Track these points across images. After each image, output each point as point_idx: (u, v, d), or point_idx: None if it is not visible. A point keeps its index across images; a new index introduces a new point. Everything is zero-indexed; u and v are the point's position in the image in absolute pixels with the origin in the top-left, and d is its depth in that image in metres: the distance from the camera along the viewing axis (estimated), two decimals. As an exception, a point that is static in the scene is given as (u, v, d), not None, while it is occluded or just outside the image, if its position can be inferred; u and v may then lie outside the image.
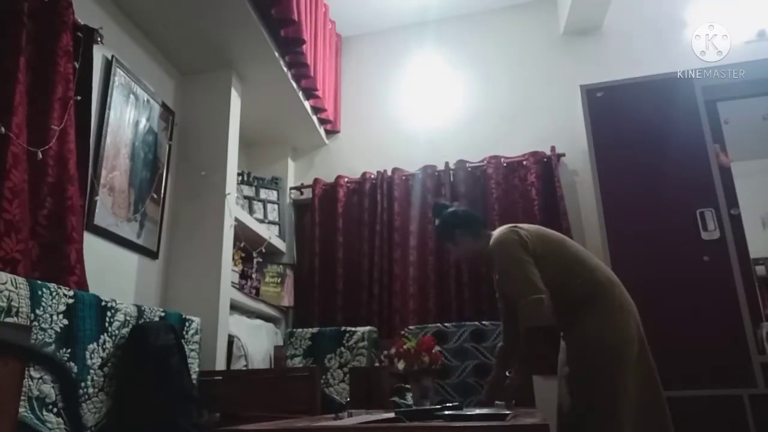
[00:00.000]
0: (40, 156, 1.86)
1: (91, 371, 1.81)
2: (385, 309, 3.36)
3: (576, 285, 1.82)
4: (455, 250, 2.16)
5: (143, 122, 2.66)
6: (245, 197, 3.51)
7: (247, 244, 3.26)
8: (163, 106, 2.84)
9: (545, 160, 3.42)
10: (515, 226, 1.94)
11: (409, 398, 1.72)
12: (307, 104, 3.55)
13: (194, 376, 2.35)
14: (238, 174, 3.32)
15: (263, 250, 3.40)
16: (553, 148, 3.43)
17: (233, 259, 3.01)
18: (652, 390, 1.74)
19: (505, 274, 1.87)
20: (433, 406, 1.52)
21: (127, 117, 2.54)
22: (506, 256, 1.85)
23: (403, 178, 3.61)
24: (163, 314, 2.26)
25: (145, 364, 1.96)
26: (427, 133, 3.79)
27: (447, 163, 3.57)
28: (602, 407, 1.66)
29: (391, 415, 1.36)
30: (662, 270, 2.61)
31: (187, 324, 2.41)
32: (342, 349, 3.00)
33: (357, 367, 2.84)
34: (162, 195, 2.75)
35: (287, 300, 3.56)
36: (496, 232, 1.96)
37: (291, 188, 3.88)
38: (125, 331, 1.99)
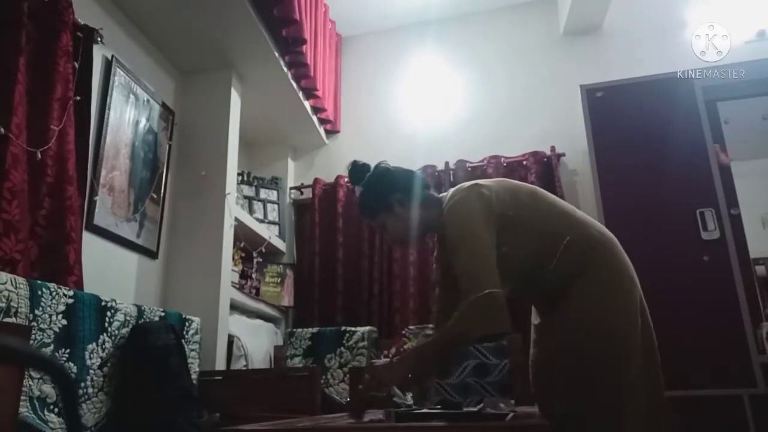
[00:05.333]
0: (40, 156, 1.86)
1: (91, 371, 1.81)
2: (385, 309, 3.36)
3: (562, 248, 1.39)
4: (394, 225, 1.56)
5: (143, 122, 2.66)
6: (245, 197, 3.50)
7: (247, 244, 3.26)
8: (163, 106, 2.84)
9: (545, 160, 3.42)
10: (477, 183, 1.48)
11: (409, 398, 1.70)
12: (307, 104, 3.55)
13: (194, 376, 2.35)
14: (238, 174, 3.32)
15: (263, 250, 3.40)
16: (553, 148, 3.43)
17: (233, 259, 3.01)
18: (657, 380, 1.41)
19: (457, 252, 1.38)
20: (433, 407, 1.52)
21: (127, 117, 2.53)
22: (460, 231, 1.40)
23: (403, 178, 3.61)
24: (163, 314, 2.26)
25: (145, 364, 1.96)
26: (427, 133, 3.79)
27: (447, 163, 3.57)
28: (604, 409, 1.33)
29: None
30: (662, 270, 2.60)
31: (187, 324, 2.41)
32: (342, 349, 2.99)
33: (357, 367, 2.84)
34: (162, 195, 2.75)
35: (287, 300, 3.56)
36: (451, 194, 1.51)
37: (291, 188, 3.88)
38: (125, 331, 1.99)
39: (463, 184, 1.53)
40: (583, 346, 1.36)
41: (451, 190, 1.54)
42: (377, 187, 1.57)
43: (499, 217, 1.41)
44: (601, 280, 1.39)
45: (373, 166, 1.63)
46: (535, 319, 1.56)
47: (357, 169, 1.62)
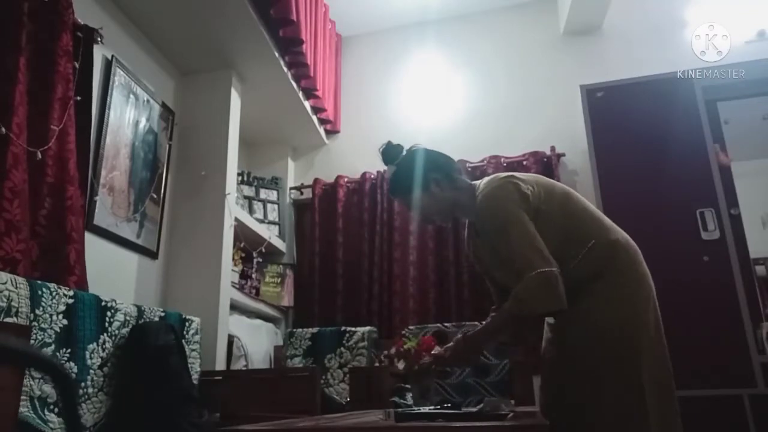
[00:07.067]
0: (40, 156, 1.86)
1: (91, 371, 1.81)
2: (385, 309, 3.36)
3: (586, 250, 1.42)
4: (429, 205, 1.60)
5: (143, 122, 2.66)
6: (245, 197, 3.51)
7: (247, 244, 3.26)
8: (163, 106, 2.84)
9: (545, 160, 3.42)
10: (512, 175, 1.51)
11: (409, 398, 1.70)
12: (307, 104, 3.55)
13: (194, 376, 2.35)
14: (238, 174, 3.32)
15: (263, 250, 3.40)
16: (553, 148, 3.43)
17: (233, 259, 3.01)
18: (667, 384, 1.43)
19: (503, 238, 1.42)
20: (432, 407, 1.52)
21: (127, 117, 2.53)
22: (504, 216, 1.43)
23: (403, 178, 3.61)
24: (163, 314, 2.26)
25: (145, 364, 1.96)
26: (427, 133, 3.78)
27: (447, 163, 3.57)
28: (611, 409, 1.34)
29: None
30: (662, 270, 2.58)
31: (187, 324, 2.41)
32: (342, 349, 3.00)
33: (357, 367, 2.84)
34: (162, 195, 2.75)
35: (287, 300, 3.56)
36: (485, 182, 1.54)
37: (291, 188, 3.88)
38: (125, 331, 2.00)
39: (497, 174, 1.57)
40: (595, 346, 1.39)
41: (485, 179, 1.58)
42: (417, 165, 1.61)
43: (531, 210, 1.44)
44: (619, 284, 1.42)
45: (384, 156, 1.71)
46: (549, 318, 1.58)
47: (390, 149, 1.70)
